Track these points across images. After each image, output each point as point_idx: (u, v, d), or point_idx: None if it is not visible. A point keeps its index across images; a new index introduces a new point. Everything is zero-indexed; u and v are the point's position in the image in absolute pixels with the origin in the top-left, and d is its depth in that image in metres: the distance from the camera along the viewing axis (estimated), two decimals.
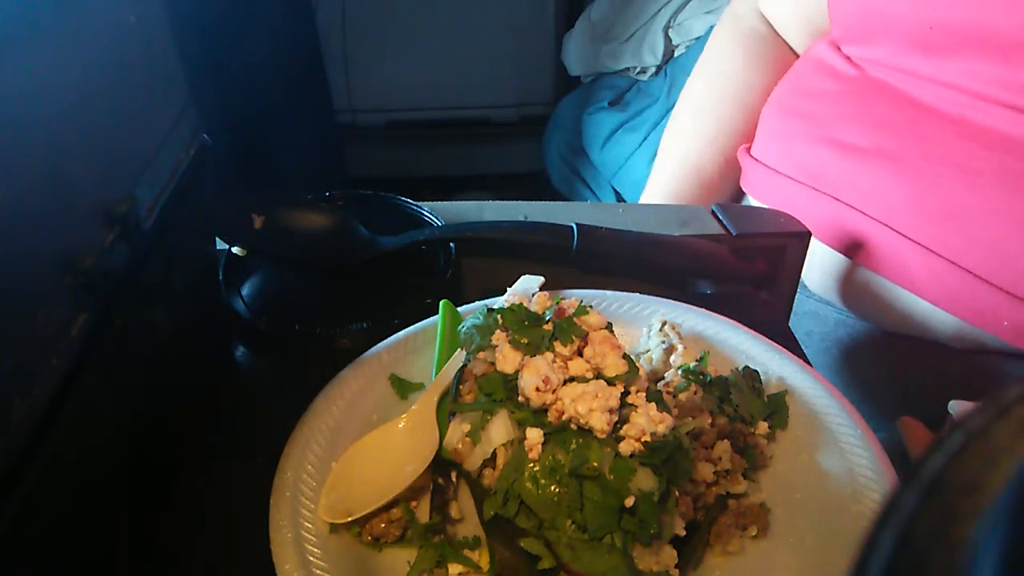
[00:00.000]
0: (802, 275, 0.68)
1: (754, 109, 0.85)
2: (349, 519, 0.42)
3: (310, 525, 0.42)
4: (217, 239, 0.62)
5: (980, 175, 0.62)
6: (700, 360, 0.51)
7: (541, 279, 0.56)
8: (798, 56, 0.85)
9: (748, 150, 0.83)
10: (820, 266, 0.74)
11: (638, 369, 0.44)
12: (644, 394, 0.43)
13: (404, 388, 0.51)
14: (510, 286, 0.56)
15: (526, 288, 0.55)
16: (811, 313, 0.78)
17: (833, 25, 0.75)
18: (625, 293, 0.58)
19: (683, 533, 0.40)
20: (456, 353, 0.50)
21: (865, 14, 0.70)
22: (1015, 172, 0.61)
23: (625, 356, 0.44)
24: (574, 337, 0.44)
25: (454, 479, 0.44)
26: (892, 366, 0.74)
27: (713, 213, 0.70)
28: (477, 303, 0.56)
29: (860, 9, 0.70)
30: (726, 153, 0.86)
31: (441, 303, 0.54)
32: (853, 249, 0.71)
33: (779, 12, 0.86)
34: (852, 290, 0.74)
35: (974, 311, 0.65)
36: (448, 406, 0.47)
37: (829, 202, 0.71)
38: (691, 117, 0.90)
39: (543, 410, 0.41)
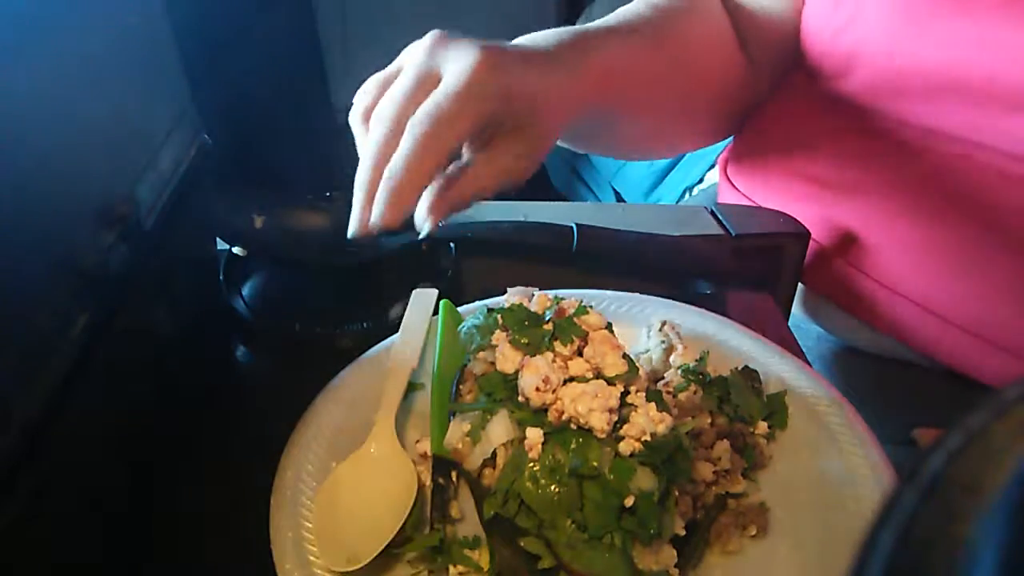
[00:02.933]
0: None
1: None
2: (359, 566, 0.40)
3: (310, 525, 0.42)
4: (217, 239, 0.62)
5: (931, 209, 0.63)
6: (700, 360, 0.51)
7: (435, 292, 0.56)
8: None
9: (724, 169, 0.83)
10: None
11: (638, 369, 0.44)
12: (644, 394, 0.43)
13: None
14: (510, 286, 0.56)
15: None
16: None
17: (807, 61, 0.74)
18: (625, 293, 0.58)
19: (683, 533, 0.40)
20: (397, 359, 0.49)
21: (833, 59, 0.70)
22: (965, 206, 0.62)
23: (625, 356, 0.44)
24: (574, 337, 0.44)
25: (454, 479, 0.44)
26: (859, 374, 0.74)
27: (712, 213, 0.70)
28: (477, 303, 0.56)
29: (827, 53, 0.70)
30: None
31: (441, 303, 0.54)
32: (808, 275, 0.72)
33: None
34: (811, 306, 0.75)
35: (919, 340, 0.66)
36: (448, 406, 0.47)
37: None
38: None
39: (543, 410, 0.41)
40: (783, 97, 0.78)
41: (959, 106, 0.61)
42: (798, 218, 0.71)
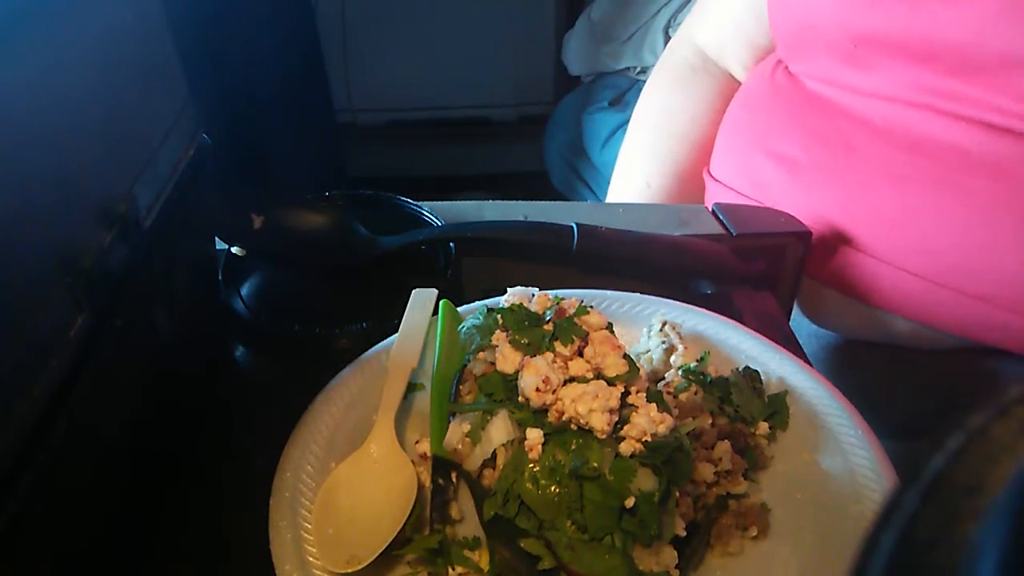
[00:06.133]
0: None
1: (687, 134, 0.88)
2: (359, 567, 0.40)
3: (309, 525, 0.42)
4: (217, 239, 0.62)
5: (905, 180, 0.64)
6: (700, 360, 0.51)
7: (435, 292, 0.56)
8: (738, 81, 0.87)
9: (708, 168, 0.84)
10: None
11: (638, 369, 0.44)
12: (644, 394, 0.42)
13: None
14: (510, 286, 0.56)
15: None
16: None
17: (775, 42, 0.78)
18: (625, 293, 0.58)
19: (683, 534, 0.40)
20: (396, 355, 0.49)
21: (797, 34, 0.73)
22: (937, 174, 0.63)
23: (625, 356, 0.44)
24: (574, 337, 0.44)
25: (454, 479, 0.44)
26: (860, 374, 0.74)
27: (713, 213, 0.70)
28: (477, 303, 0.56)
29: (792, 29, 0.73)
30: (665, 190, 0.89)
31: (441, 303, 0.54)
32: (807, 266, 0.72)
33: (715, 41, 0.88)
34: (808, 300, 0.76)
35: (919, 309, 0.67)
36: (448, 406, 0.47)
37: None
38: (629, 161, 0.94)
39: (543, 410, 0.41)
40: (751, 82, 0.80)
41: (908, 69, 0.62)
42: (778, 201, 0.72)
